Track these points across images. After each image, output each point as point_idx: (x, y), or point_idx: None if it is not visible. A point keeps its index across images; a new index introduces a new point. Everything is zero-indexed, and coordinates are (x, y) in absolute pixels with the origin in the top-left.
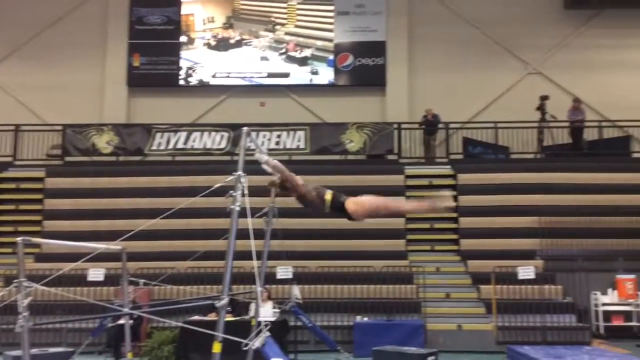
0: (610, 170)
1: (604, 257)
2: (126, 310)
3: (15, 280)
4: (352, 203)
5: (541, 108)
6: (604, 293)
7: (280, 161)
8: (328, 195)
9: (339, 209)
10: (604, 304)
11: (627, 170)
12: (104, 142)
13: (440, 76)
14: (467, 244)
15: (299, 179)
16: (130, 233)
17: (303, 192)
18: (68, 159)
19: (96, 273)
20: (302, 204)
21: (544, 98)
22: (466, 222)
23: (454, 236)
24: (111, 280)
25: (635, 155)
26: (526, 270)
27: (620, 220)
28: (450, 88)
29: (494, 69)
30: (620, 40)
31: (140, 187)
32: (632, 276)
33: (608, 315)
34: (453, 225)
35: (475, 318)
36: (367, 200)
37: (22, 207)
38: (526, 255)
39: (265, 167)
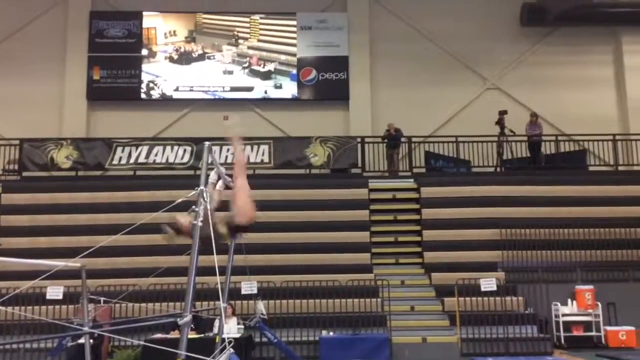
0: (568, 183)
1: (563, 268)
2: (86, 329)
3: None
4: (240, 217)
5: (500, 122)
6: (564, 304)
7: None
8: (223, 229)
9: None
10: (564, 315)
11: (584, 183)
12: (63, 156)
13: (402, 91)
14: (430, 256)
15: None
16: (90, 250)
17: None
18: (25, 174)
19: (55, 291)
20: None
21: (503, 113)
22: (429, 235)
23: (418, 249)
24: (70, 298)
25: (592, 168)
26: (488, 282)
27: (578, 232)
28: (412, 102)
29: (453, 84)
30: (575, 57)
31: (101, 202)
32: (590, 287)
33: (568, 326)
34: (417, 238)
35: (439, 330)
36: (241, 200)
37: None
38: (488, 267)
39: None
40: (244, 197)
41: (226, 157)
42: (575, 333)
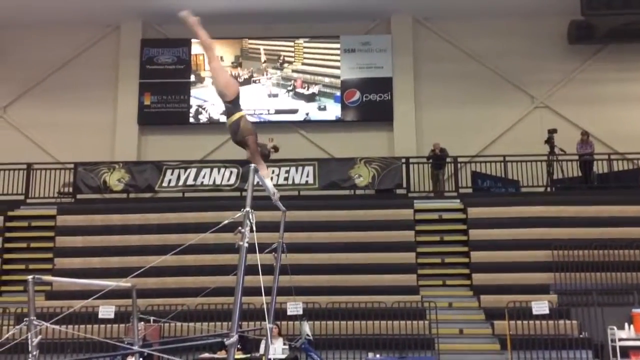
0: (621, 203)
1: (618, 290)
2: (136, 347)
3: (26, 319)
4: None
5: (550, 141)
6: (621, 328)
7: (290, 197)
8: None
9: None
10: (620, 339)
11: (638, 203)
12: (115, 179)
13: (447, 111)
14: (479, 278)
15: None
16: (141, 270)
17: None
18: (79, 196)
19: (107, 310)
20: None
21: (552, 131)
22: (478, 256)
23: (466, 271)
24: (121, 317)
25: None
26: (540, 306)
27: (634, 253)
28: (457, 122)
29: (500, 103)
30: (625, 74)
31: (151, 223)
32: None
33: (625, 351)
34: (464, 260)
35: (490, 355)
36: (223, 78)
37: (34, 244)
38: (540, 289)
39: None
40: (222, 74)
41: (271, 178)
42: (633, 358)
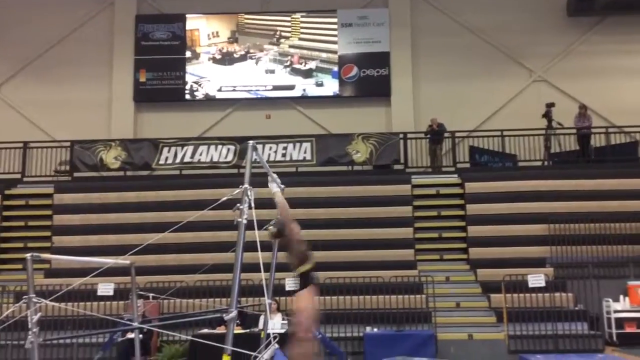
0: (619, 176)
1: (614, 263)
2: (136, 324)
3: (25, 297)
4: (299, 300)
5: (547, 115)
6: (616, 300)
7: (287, 173)
8: (306, 266)
9: (301, 283)
10: (616, 311)
11: (635, 176)
12: (112, 157)
13: (445, 85)
14: (476, 252)
15: (298, 229)
16: (139, 247)
17: (294, 244)
18: (76, 174)
19: (105, 287)
20: (282, 248)
21: (550, 105)
22: (475, 230)
23: (463, 245)
24: (120, 294)
25: None
26: (536, 278)
27: (630, 227)
28: (455, 97)
29: (498, 77)
30: (624, 46)
31: (148, 201)
32: None
33: (620, 323)
34: (462, 234)
35: (486, 327)
36: (304, 316)
37: (31, 223)
38: (536, 263)
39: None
40: (306, 316)
41: (269, 155)
42: (628, 330)
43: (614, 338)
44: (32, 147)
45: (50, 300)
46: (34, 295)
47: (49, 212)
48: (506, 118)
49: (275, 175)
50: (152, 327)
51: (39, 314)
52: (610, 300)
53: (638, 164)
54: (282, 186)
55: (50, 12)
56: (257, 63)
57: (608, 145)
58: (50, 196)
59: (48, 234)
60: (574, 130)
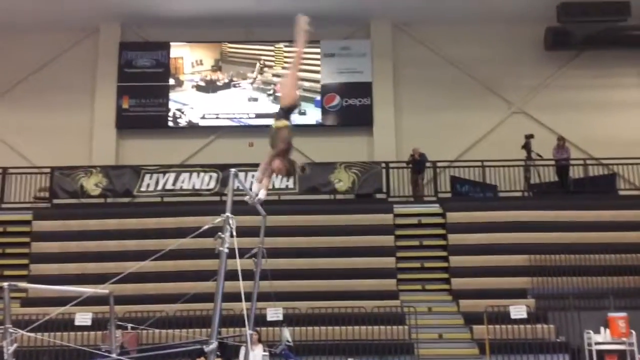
0: (598, 208)
1: (595, 295)
2: (114, 355)
3: (1, 327)
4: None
5: (527, 147)
6: (597, 332)
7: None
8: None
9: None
10: (597, 343)
11: (614, 208)
12: (93, 184)
13: (426, 116)
14: (458, 282)
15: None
16: (119, 276)
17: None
18: (56, 201)
19: (83, 317)
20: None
21: (529, 137)
22: (456, 260)
23: (445, 275)
24: (98, 324)
25: (622, 192)
26: (518, 310)
27: (610, 258)
28: (436, 127)
29: (478, 108)
30: (600, 80)
31: (129, 228)
32: (623, 314)
33: (601, 355)
34: (444, 264)
35: (468, 359)
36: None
37: (9, 250)
38: (517, 293)
39: (262, 196)
40: (292, 82)
41: (251, 183)
42: None
43: None
44: (11, 173)
45: (27, 331)
46: (10, 326)
47: (27, 240)
48: (486, 149)
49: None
50: (130, 358)
51: (15, 345)
52: (591, 332)
53: (616, 195)
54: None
55: (34, 37)
56: (239, 91)
57: (586, 176)
58: (28, 223)
59: (26, 261)
60: (553, 162)
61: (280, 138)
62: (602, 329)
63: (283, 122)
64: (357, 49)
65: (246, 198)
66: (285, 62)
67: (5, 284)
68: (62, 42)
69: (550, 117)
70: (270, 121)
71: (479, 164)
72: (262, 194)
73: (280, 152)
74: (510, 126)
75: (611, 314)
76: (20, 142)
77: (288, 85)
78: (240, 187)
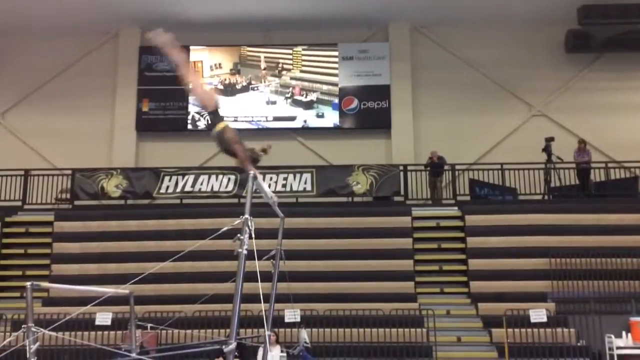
0: (619, 212)
1: (616, 299)
2: (134, 355)
3: (23, 326)
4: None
5: (547, 149)
6: (618, 336)
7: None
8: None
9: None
10: (618, 348)
11: (635, 211)
12: (113, 185)
13: (445, 118)
14: (477, 286)
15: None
16: (139, 277)
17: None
18: (77, 202)
19: (103, 317)
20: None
21: (550, 140)
22: (475, 263)
23: (464, 278)
24: (119, 324)
25: None
26: (538, 314)
27: (632, 262)
28: (455, 130)
29: (498, 111)
30: (622, 83)
31: (149, 230)
32: None
33: (623, 359)
34: (462, 267)
35: None
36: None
37: (31, 251)
38: (537, 297)
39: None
40: (200, 87)
41: (269, 185)
42: None
43: None
44: (33, 175)
45: (49, 330)
46: (33, 325)
47: (48, 240)
48: (506, 152)
49: (270, 194)
50: (150, 357)
51: (37, 344)
52: (613, 336)
53: (638, 199)
54: (275, 200)
55: (55, 42)
56: (258, 94)
57: (608, 180)
58: (50, 224)
59: (47, 262)
60: (574, 165)
61: (229, 139)
62: (623, 333)
63: (222, 124)
64: (375, 51)
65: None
66: (303, 65)
67: (27, 284)
68: (83, 47)
69: (571, 120)
70: (288, 124)
71: (499, 166)
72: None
73: (239, 151)
74: (531, 129)
75: (633, 318)
76: (42, 144)
77: (200, 93)
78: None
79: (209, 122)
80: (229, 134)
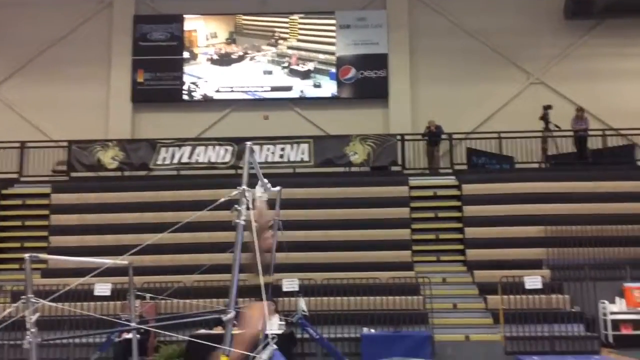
0: (616, 179)
1: (610, 265)
2: (133, 324)
3: (23, 297)
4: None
5: (544, 118)
6: (612, 302)
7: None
8: (267, 278)
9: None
10: (612, 313)
11: (632, 179)
12: (109, 157)
13: (443, 87)
14: (473, 254)
15: (270, 239)
16: (137, 248)
17: (262, 252)
18: (74, 174)
19: (103, 288)
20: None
21: (547, 107)
22: (472, 232)
23: (460, 246)
24: (118, 294)
25: None
26: (533, 280)
27: (626, 229)
28: (453, 99)
29: (496, 79)
30: (621, 49)
31: (146, 201)
32: (639, 284)
33: (617, 324)
34: (459, 236)
35: (483, 328)
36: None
37: (28, 223)
38: (533, 264)
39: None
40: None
41: (266, 156)
42: (624, 332)
43: (610, 340)
44: (29, 147)
45: (48, 301)
46: (32, 296)
47: (46, 212)
48: (503, 120)
49: (265, 180)
50: (149, 327)
51: (37, 314)
52: (607, 302)
53: (635, 166)
54: (269, 186)
55: (48, 12)
56: (254, 64)
57: (605, 147)
58: (47, 196)
59: (45, 234)
60: (571, 133)
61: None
62: (617, 299)
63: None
64: (373, 19)
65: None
66: (300, 34)
67: (26, 256)
68: (77, 16)
69: (569, 88)
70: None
71: (496, 135)
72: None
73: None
74: (528, 97)
75: (627, 284)
76: (38, 116)
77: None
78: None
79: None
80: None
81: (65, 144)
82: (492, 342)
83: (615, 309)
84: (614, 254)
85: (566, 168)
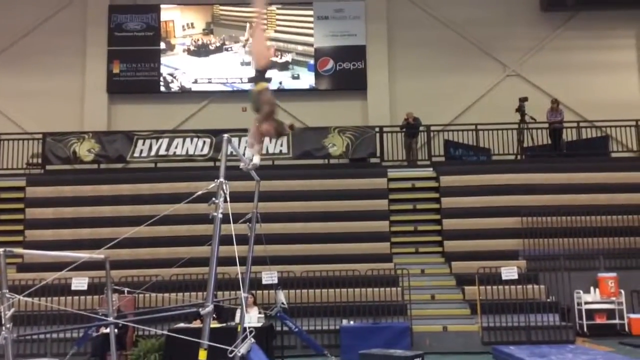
0: (590, 170)
1: (585, 256)
2: (111, 319)
3: None
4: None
5: (520, 109)
6: (587, 292)
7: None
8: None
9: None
10: (586, 303)
11: (606, 170)
12: (85, 150)
13: (421, 79)
14: (450, 245)
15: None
16: (114, 242)
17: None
18: (49, 167)
19: (79, 282)
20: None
21: (523, 100)
22: (449, 223)
23: (438, 238)
24: (95, 288)
25: (614, 154)
26: (509, 271)
27: (600, 219)
28: (431, 91)
29: (473, 71)
30: (596, 42)
31: (123, 194)
32: (613, 274)
33: (591, 314)
34: (437, 227)
35: (460, 319)
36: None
37: (3, 217)
38: (509, 255)
39: (257, 161)
40: (261, 42)
41: (245, 148)
42: (598, 321)
43: (585, 329)
44: (2, 139)
45: (24, 296)
46: (7, 291)
47: (21, 206)
48: (480, 112)
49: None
50: (127, 322)
51: (12, 310)
52: (581, 292)
53: (608, 158)
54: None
55: (22, 0)
56: (232, 55)
57: (579, 139)
58: (22, 189)
59: (20, 227)
60: (547, 125)
61: (263, 100)
62: (591, 288)
63: (262, 85)
64: (351, 11)
65: (241, 165)
66: (278, 25)
67: (1, 250)
68: (51, 5)
69: (544, 80)
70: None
71: (473, 127)
72: (256, 159)
73: (266, 114)
74: (505, 89)
75: (601, 274)
76: (11, 107)
77: (259, 46)
78: (234, 153)
79: (253, 78)
80: (266, 96)
81: (39, 136)
82: (470, 333)
83: (589, 298)
84: (589, 244)
85: (541, 160)
